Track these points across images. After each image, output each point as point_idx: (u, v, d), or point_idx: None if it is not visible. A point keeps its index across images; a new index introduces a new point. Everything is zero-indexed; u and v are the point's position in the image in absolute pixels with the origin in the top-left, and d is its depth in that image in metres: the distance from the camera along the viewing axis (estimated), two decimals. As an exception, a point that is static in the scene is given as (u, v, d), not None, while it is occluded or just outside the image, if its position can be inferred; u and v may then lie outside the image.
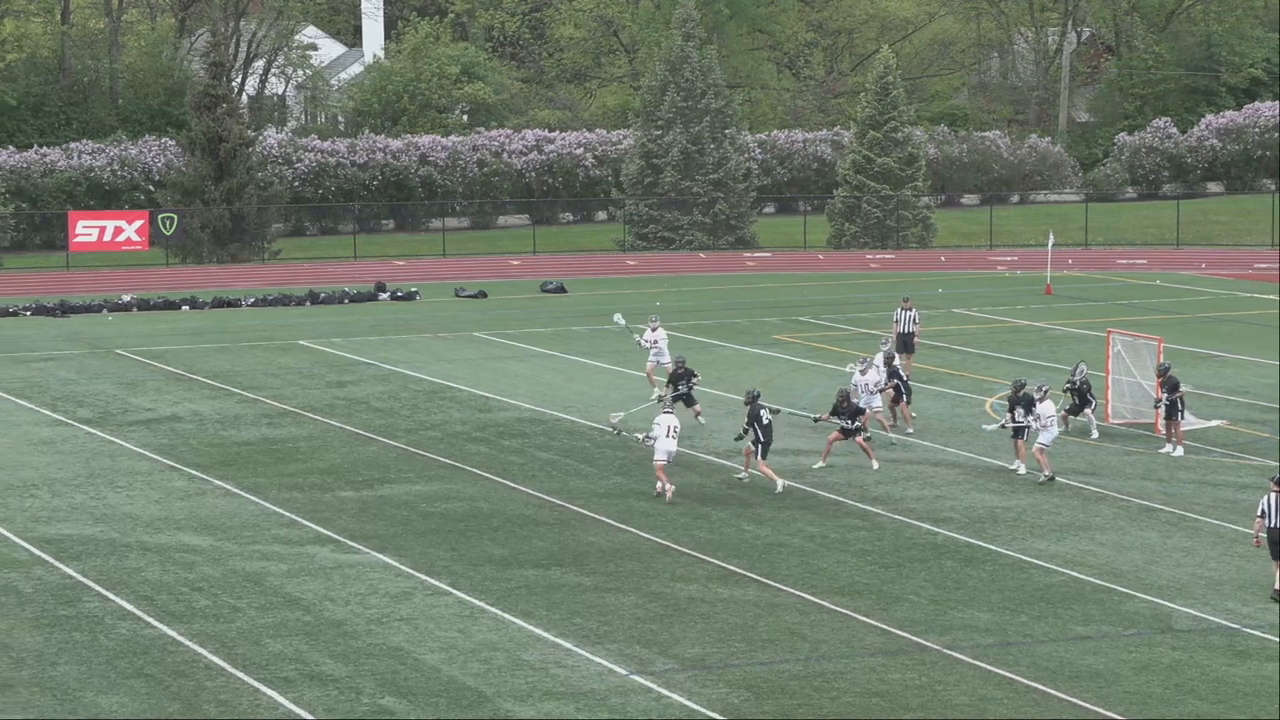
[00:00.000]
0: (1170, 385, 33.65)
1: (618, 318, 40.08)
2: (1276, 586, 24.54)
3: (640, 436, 31.55)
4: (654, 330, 39.31)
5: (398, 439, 34.75)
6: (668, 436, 30.30)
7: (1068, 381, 35.26)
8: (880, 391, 34.52)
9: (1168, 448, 33.50)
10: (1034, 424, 31.15)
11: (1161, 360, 35.14)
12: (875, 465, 31.94)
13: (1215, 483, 31.41)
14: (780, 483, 30.35)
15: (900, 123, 72.34)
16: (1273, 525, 24.72)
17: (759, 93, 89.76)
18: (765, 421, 30.43)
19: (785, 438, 34.27)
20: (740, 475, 30.84)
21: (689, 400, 35.80)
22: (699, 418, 35.90)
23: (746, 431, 30.55)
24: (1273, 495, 24.73)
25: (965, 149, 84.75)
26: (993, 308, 54.11)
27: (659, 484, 30.06)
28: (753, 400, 30.61)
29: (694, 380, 35.65)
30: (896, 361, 35.93)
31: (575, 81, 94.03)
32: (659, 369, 38.84)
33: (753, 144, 79.77)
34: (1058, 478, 30.96)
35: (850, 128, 77.33)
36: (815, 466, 32.13)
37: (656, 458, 30.26)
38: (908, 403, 35.29)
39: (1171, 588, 25.00)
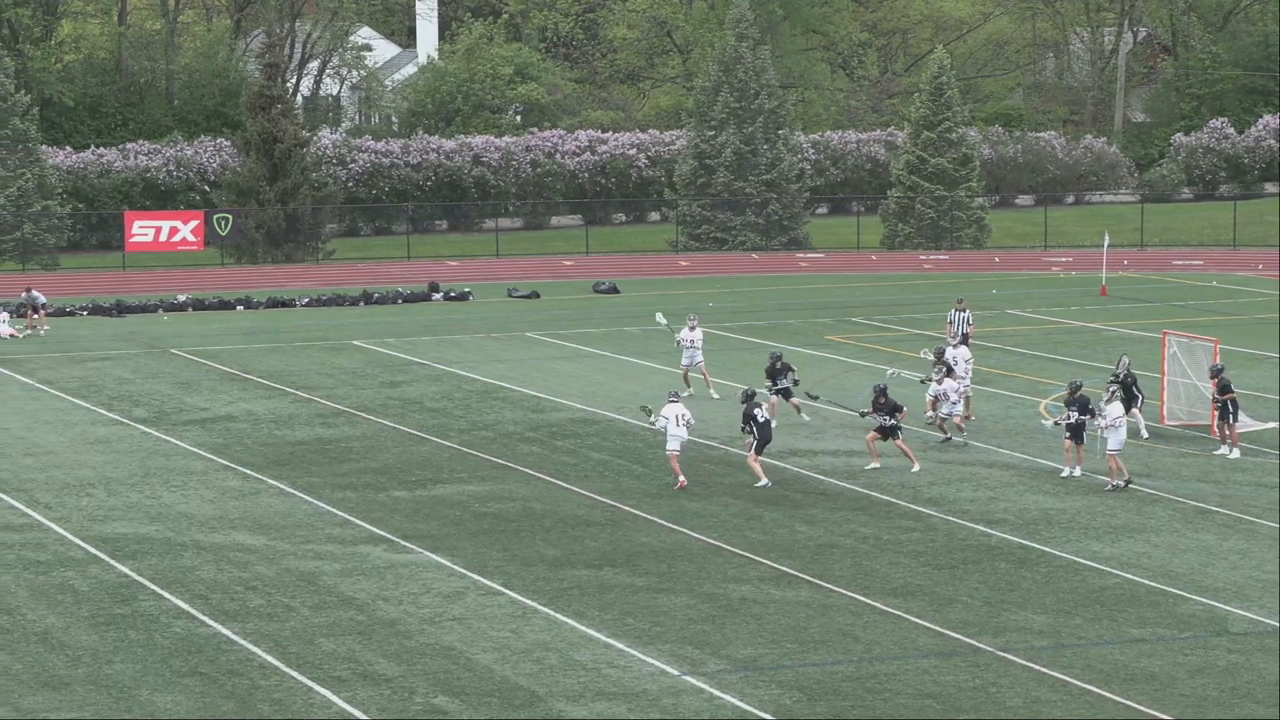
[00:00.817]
0: (1222, 386, 33.42)
1: (659, 317, 40.11)
2: None
3: (651, 419, 31.53)
4: (692, 329, 39.29)
5: (450, 439, 34.83)
6: (678, 426, 30.46)
7: (1112, 375, 35.04)
8: (962, 396, 34.51)
9: (1223, 449, 33.27)
10: (1100, 424, 30.61)
11: (1216, 361, 34.89)
12: (916, 467, 31.87)
13: (1272, 485, 31.16)
14: (765, 480, 30.61)
15: (955, 123, 72.09)
16: None
17: (813, 93, 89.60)
18: (761, 420, 30.74)
19: (837, 439, 34.20)
20: (760, 483, 30.70)
21: (787, 394, 35.78)
22: (800, 414, 35.84)
23: (745, 430, 30.78)
24: None
25: (1020, 149, 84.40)
26: (1047, 309, 53.86)
27: (679, 478, 30.30)
28: (749, 399, 30.91)
29: (793, 375, 35.68)
30: (948, 354, 36.00)
31: (628, 82, 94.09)
32: (694, 368, 38.88)
33: (806, 144, 79.63)
34: (1122, 482, 30.56)
35: (904, 128, 77.10)
36: (868, 468, 32.06)
37: (669, 447, 30.46)
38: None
39: (1228, 590, 24.83)
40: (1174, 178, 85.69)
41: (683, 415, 30.72)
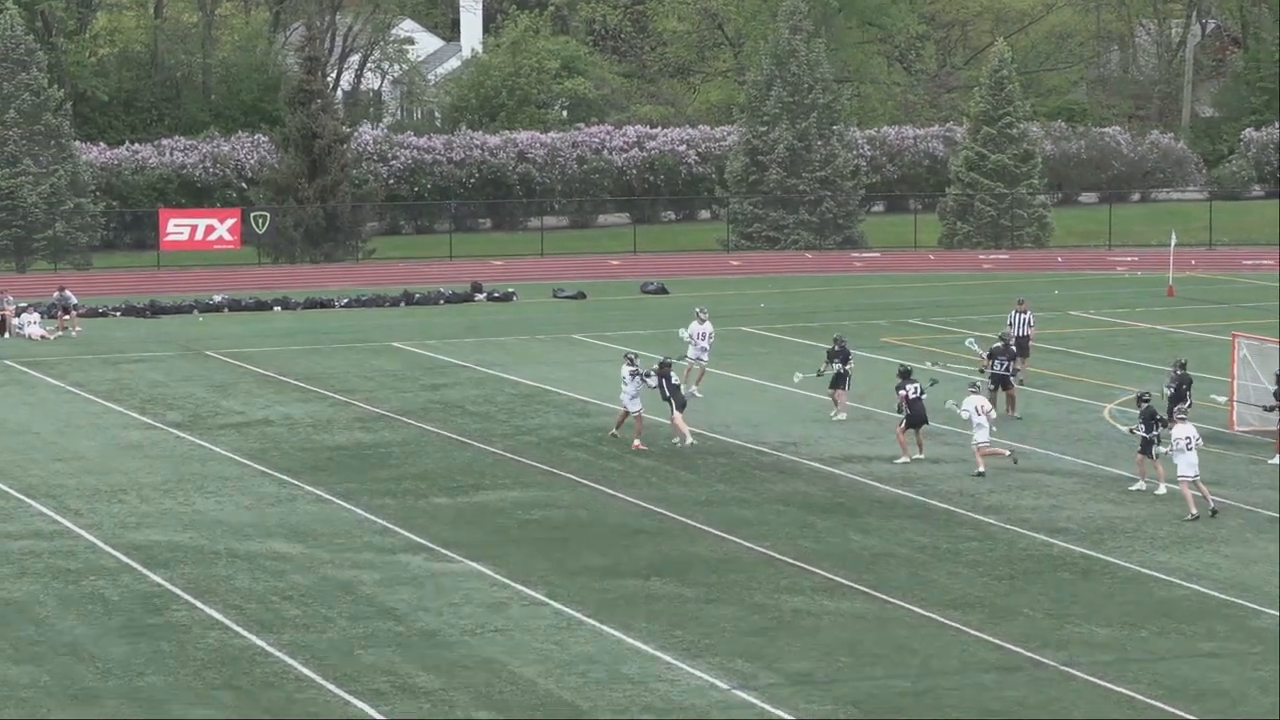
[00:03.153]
0: None
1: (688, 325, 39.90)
2: None
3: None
4: (702, 323, 39.38)
5: (494, 444, 34.82)
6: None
7: (1169, 383, 34.72)
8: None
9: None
10: (1163, 450, 29.78)
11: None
12: (921, 455, 32.88)
13: (1348, 494, 30.88)
14: (689, 439, 33.57)
15: (1015, 118, 71.75)
16: None
17: (868, 87, 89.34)
18: (675, 382, 34.03)
19: (892, 443, 33.97)
20: (676, 441, 33.53)
21: (839, 381, 36.43)
22: (837, 412, 36.30)
23: (669, 397, 33.87)
24: None
25: (1083, 145, 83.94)
26: (1111, 310, 53.51)
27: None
28: (664, 368, 34.27)
29: (849, 366, 36.58)
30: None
31: (678, 76, 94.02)
32: (697, 363, 39.10)
33: (861, 140, 79.40)
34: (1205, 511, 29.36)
35: (963, 123, 76.79)
36: (898, 461, 32.45)
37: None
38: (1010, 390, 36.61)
39: (1301, 604, 24.58)
40: (1244, 174, 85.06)
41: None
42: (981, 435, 31.87)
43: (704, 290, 59.18)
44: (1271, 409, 33.57)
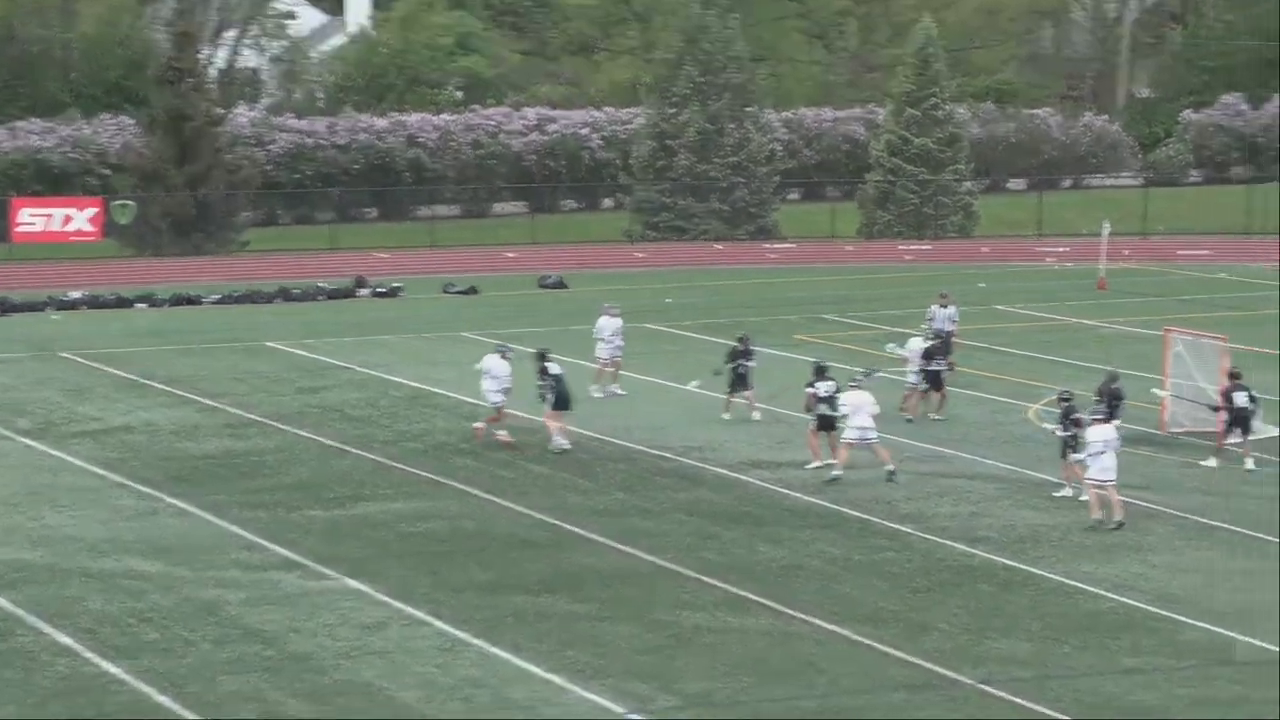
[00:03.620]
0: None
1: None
2: None
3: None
4: (612, 317, 39.58)
5: (375, 451, 34.71)
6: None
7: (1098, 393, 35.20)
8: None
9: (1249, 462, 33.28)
10: (1078, 456, 29.88)
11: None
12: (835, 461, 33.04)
13: (1284, 498, 31.30)
14: (561, 442, 34.03)
15: (941, 99, 72.23)
16: None
17: (785, 66, 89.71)
18: (555, 373, 34.07)
19: (803, 449, 34.08)
20: (554, 443, 33.84)
21: (743, 383, 36.69)
22: (753, 413, 36.48)
23: (541, 392, 34.39)
24: None
25: (1013, 128, 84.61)
26: (1039, 304, 53.96)
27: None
28: (543, 355, 34.69)
29: (750, 363, 36.80)
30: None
31: (581, 54, 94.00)
32: (612, 362, 39.49)
33: (777, 123, 79.67)
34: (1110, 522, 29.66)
35: (885, 105, 77.18)
36: (809, 467, 32.70)
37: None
38: (926, 393, 36.89)
39: (1233, 615, 24.86)
40: (1182, 159, 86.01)
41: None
42: (851, 434, 31.94)
43: (607, 284, 59.14)
44: (1216, 409, 33.89)
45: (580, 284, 59.16)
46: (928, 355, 37.32)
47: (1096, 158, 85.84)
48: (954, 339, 41.42)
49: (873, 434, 32.11)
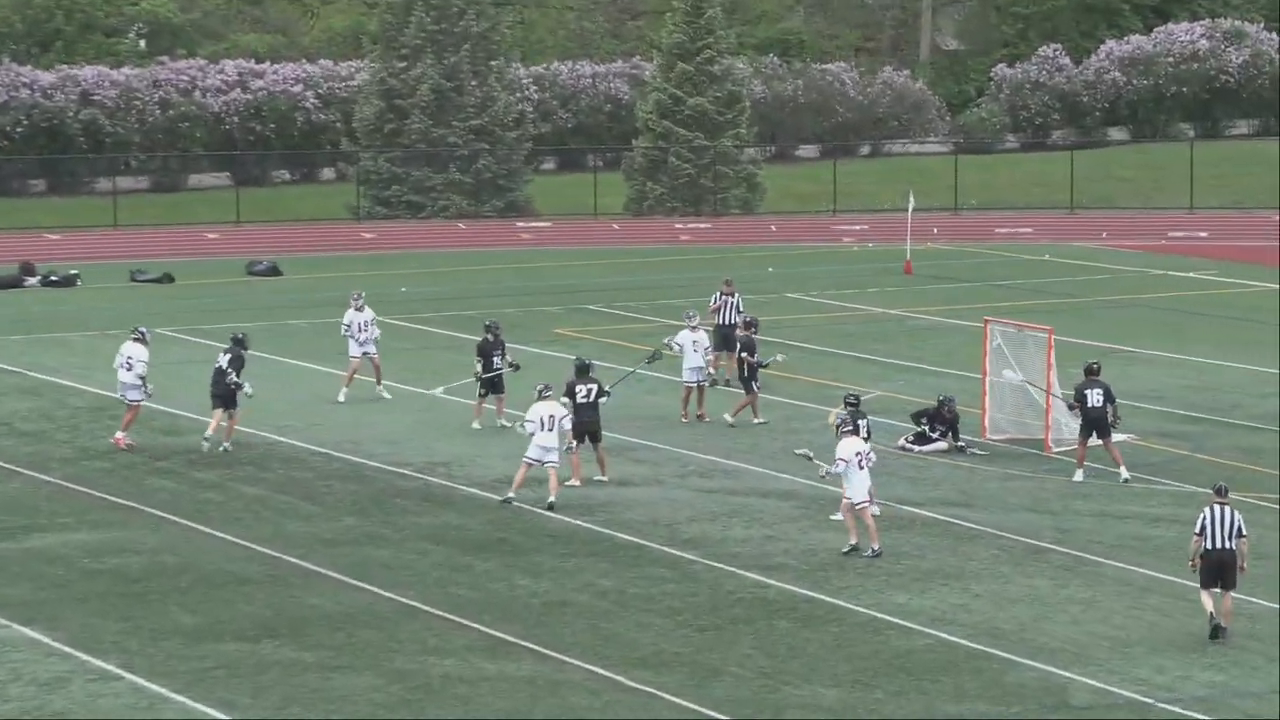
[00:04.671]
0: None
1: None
2: (1211, 616, 25.27)
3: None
4: (358, 308, 39.48)
5: (51, 472, 34.25)
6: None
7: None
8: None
9: (1078, 474, 33.97)
10: (825, 470, 29.91)
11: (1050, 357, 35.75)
12: (603, 476, 33.33)
13: (1121, 514, 31.99)
14: (216, 440, 35.08)
15: (717, 52, 72.87)
16: (1213, 546, 25.39)
17: (534, 12, 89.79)
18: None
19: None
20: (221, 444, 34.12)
21: (497, 386, 36.91)
22: (500, 419, 36.66)
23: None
24: (1214, 509, 25.52)
25: (801, 86, 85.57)
26: (837, 291, 54.63)
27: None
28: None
29: (507, 357, 37.22)
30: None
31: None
32: (366, 362, 39.61)
33: (527, 80, 79.76)
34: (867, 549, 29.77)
35: (653, 58, 77.65)
36: (569, 484, 32.63)
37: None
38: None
39: (1067, 652, 25.36)
40: (995, 121, 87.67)
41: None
42: (532, 452, 31.88)
43: (329, 270, 58.79)
44: (1072, 407, 34.36)
45: (296, 270, 58.66)
46: (748, 348, 37.92)
47: (898, 120, 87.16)
48: (738, 334, 41.79)
49: (553, 456, 31.89)
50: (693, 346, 38.16)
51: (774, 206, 73.54)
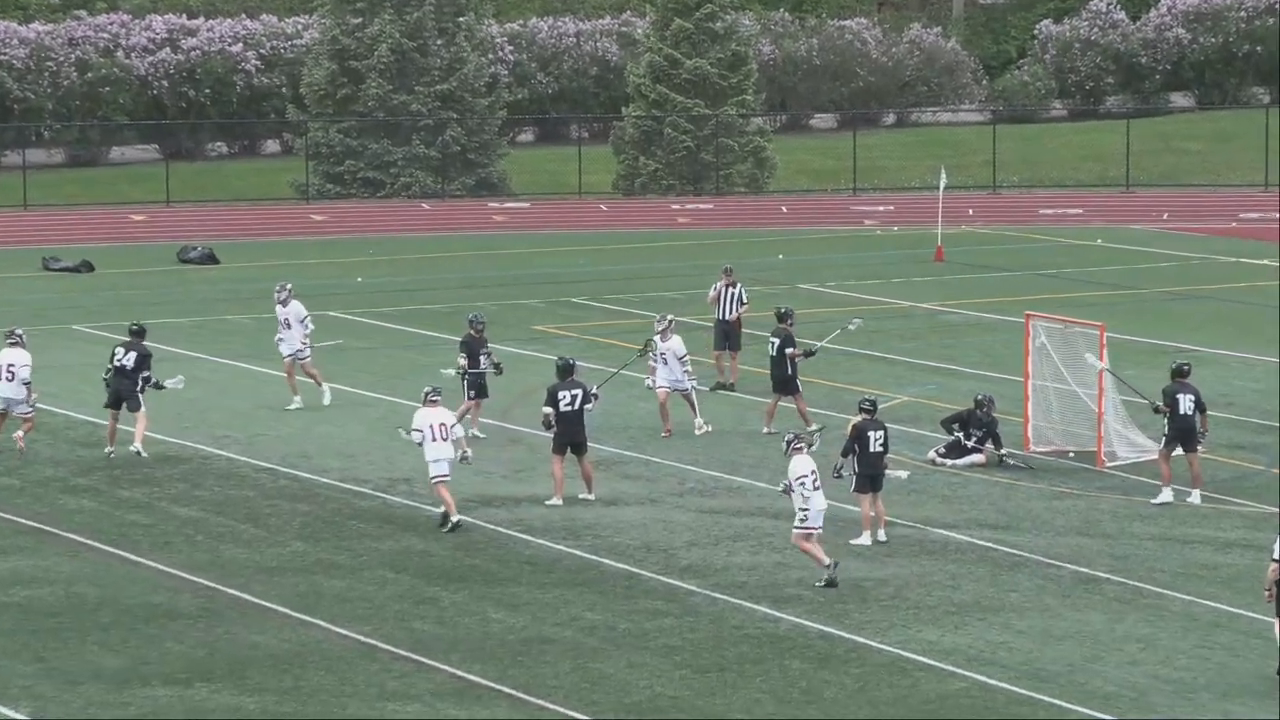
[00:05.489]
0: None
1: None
2: None
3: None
4: (284, 302, 39.49)
5: (-48, 491, 34.25)
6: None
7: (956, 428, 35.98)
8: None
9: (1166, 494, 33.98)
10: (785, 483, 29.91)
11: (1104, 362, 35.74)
12: (589, 495, 33.46)
13: (1186, 539, 31.95)
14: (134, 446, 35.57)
15: (720, 7, 72.78)
16: None
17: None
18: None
19: (500, 481, 34.21)
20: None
21: (481, 389, 37.11)
22: (474, 428, 36.80)
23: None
24: None
25: (816, 46, 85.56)
26: (858, 282, 54.56)
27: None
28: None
29: (492, 357, 37.53)
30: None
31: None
32: (299, 366, 39.86)
33: (501, 39, 79.71)
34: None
35: (646, 14, 77.62)
36: (550, 503, 32.91)
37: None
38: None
39: (1123, 697, 25.34)
40: (1040, 86, 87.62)
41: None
42: (437, 469, 32.13)
43: (273, 258, 58.74)
44: (1159, 411, 34.07)
45: (235, 258, 58.56)
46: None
47: (928, 85, 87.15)
48: (741, 327, 41.80)
49: (447, 469, 32.06)
50: (664, 359, 37.68)
51: (785, 185, 73.47)
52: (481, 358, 37.38)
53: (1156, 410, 34.11)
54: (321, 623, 27.86)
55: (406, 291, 53.34)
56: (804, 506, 29.24)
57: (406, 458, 36.12)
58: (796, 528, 29.43)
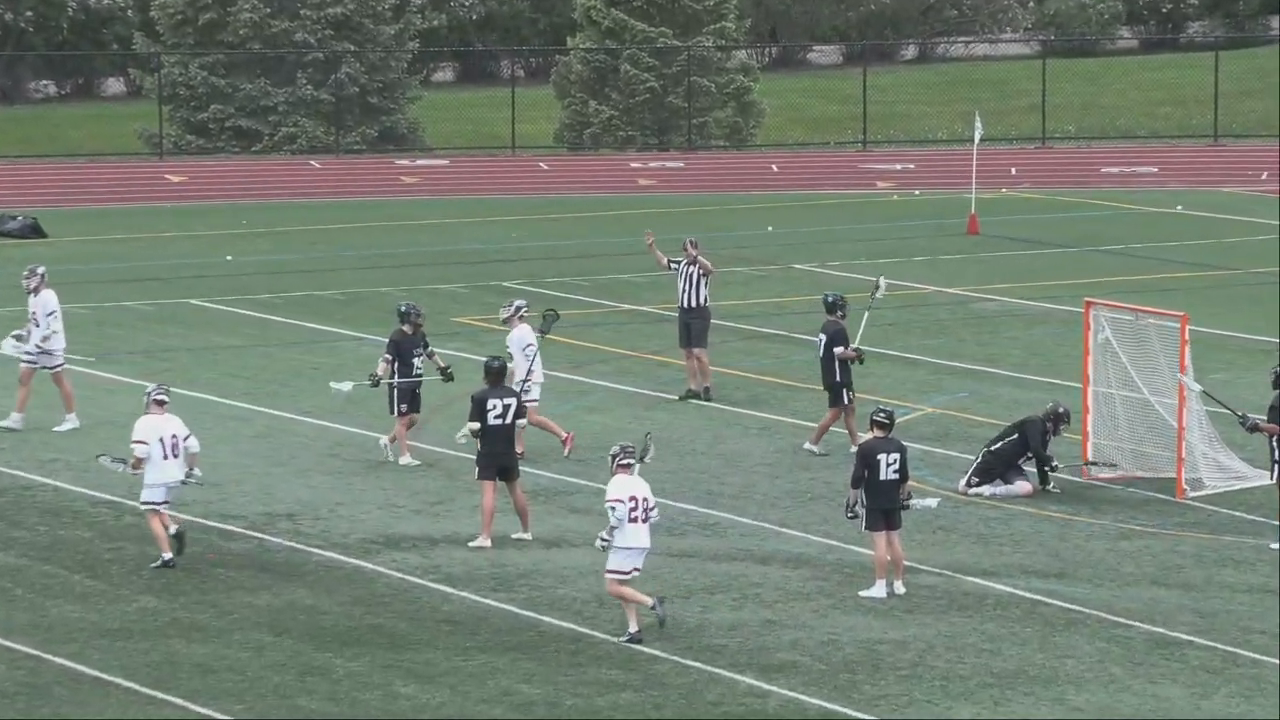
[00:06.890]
0: None
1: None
2: None
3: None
4: (35, 290, 40.19)
5: None
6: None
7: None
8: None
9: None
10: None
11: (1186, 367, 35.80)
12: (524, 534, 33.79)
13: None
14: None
15: (691, -91, 72.94)
16: None
17: None
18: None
19: (409, 516, 34.19)
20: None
21: (413, 400, 37.63)
22: (390, 449, 37.20)
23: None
24: None
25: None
26: (869, 261, 54.57)
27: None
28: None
29: (435, 358, 38.03)
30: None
31: None
32: (39, 372, 40.04)
33: (412, -53, 79.87)
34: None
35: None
36: (473, 544, 33.23)
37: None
38: None
39: (1212, 790, 25.42)
40: (1103, 9, 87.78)
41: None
42: (152, 494, 32.45)
43: (116, 229, 58.74)
44: (1253, 428, 34.06)
45: (67, 229, 58.54)
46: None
47: (958, 9, 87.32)
48: (708, 310, 41.83)
49: (172, 494, 32.52)
50: (524, 352, 37.57)
51: (776, 137, 73.62)
52: (417, 360, 37.17)
53: (1248, 426, 34.09)
54: (178, 700, 27.81)
55: (289, 273, 53.29)
56: (625, 545, 29.26)
57: (290, 487, 36.15)
58: (610, 571, 29.57)
